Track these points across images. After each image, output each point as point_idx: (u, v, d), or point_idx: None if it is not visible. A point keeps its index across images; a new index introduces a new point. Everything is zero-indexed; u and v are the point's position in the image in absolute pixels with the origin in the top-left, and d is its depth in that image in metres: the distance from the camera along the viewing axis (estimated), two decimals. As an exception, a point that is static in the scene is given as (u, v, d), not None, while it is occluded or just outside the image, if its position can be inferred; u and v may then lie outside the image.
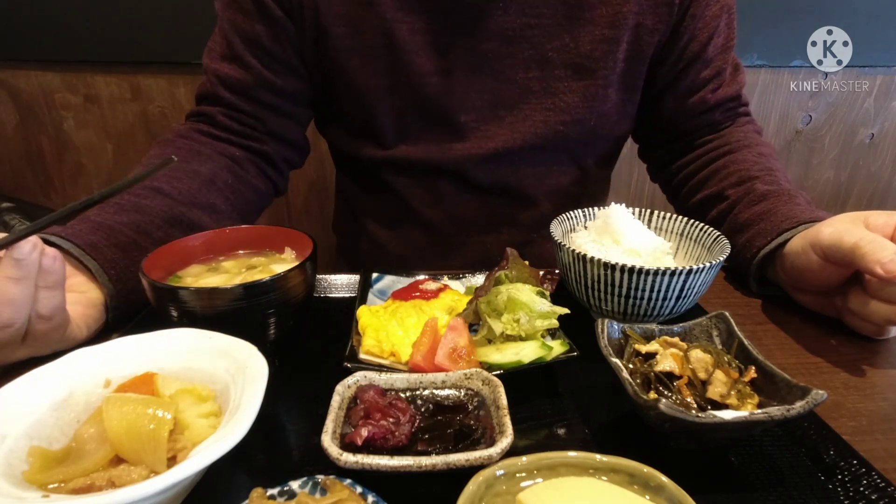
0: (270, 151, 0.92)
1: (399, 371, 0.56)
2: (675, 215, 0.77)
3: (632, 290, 0.61)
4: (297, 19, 0.83)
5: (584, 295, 0.66)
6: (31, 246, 0.51)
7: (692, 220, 0.75)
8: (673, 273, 0.59)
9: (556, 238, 0.68)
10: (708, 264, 0.60)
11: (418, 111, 0.87)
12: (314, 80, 0.90)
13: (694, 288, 0.62)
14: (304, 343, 0.67)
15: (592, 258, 0.62)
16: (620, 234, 0.69)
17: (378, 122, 0.88)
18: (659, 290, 0.61)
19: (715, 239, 0.70)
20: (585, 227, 0.76)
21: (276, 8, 0.81)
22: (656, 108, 0.95)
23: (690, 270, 0.59)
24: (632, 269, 0.60)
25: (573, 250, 0.64)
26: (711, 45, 0.87)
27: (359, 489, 0.40)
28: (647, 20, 0.84)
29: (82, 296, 0.63)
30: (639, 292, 0.61)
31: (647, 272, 0.59)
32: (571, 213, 0.76)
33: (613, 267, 0.60)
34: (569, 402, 0.57)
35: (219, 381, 0.50)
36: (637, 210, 0.77)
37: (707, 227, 0.72)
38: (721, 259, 0.62)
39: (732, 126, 0.94)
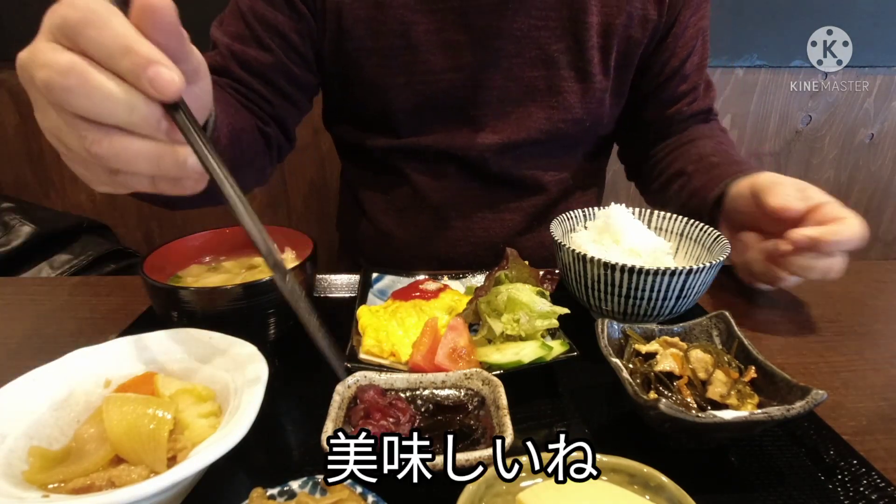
0: (272, 134, 0.92)
1: (399, 371, 0.56)
2: (675, 216, 0.77)
3: (632, 290, 0.61)
4: (321, 19, 0.86)
5: (583, 295, 0.66)
6: None
7: (692, 221, 0.75)
8: (673, 273, 0.59)
9: (555, 238, 0.68)
10: (708, 264, 0.60)
11: (431, 105, 0.92)
12: (331, 77, 0.93)
13: (694, 288, 0.62)
14: (304, 343, 0.67)
15: (592, 258, 0.62)
16: (620, 234, 0.69)
17: (393, 115, 0.93)
18: (659, 290, 0.61)
19: (715, 239, 0.70)
20: (585, 227, 0.76)
21: (302, 4, 0.85)
22: (638, 115, 1.03)
23: (690, 270, 0.59)
24: (632, 269, 0.60)
25: (573, 250, 0.64)
26: (689, 63, 0.95)
27: (359, 489, 0.40)
28: (636, 33, 0.90)
29: None
30: (639, 292, 0.61)
31: (647, 272, 0.59)
32: (571, 212, 0.76)
33: (613, 267, 0.60)
34: (569, 402, 0.57)
35: (219, 381, 0.50)
36: (637, 210, 0.77)
37: (707, 227, 0.73)
38: (721, 259, 0.62)
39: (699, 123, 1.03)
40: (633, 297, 0.62)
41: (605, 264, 0.61)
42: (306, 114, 0.99)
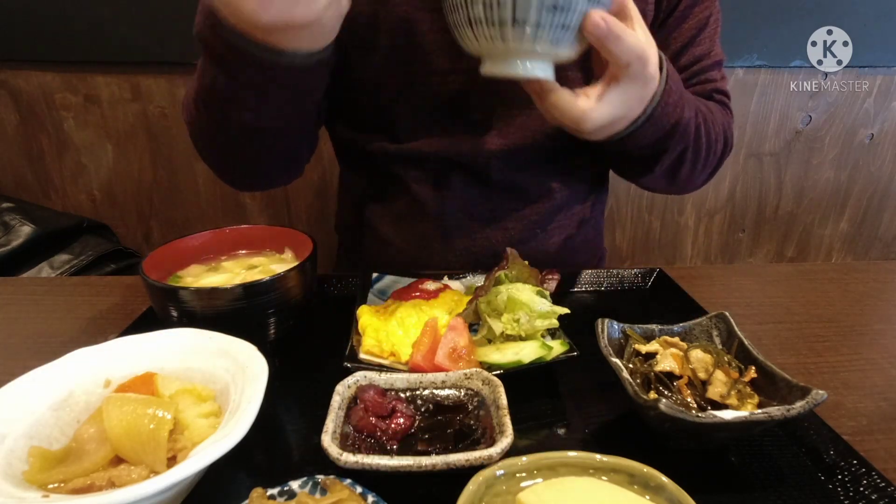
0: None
1: (399, 371, 0.56)
2: None
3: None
4: None
5: (458, 32, 0.56)
6: None
7: None
8: None
9: None
10: None
11: (434, 108, 0.90)
12: (332, 74, 0.92)
13: None
14: (304, 343, 0.67)
15: None
16: None
17: (393, 117, 0.91)
18: None
19: None
20: None
21: None
22: None
23: None
24: None
25: None
26: (686, 54, 0.93)
27: (359, 489, 0.40)
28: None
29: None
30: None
31: None
32: None
33: None
34: (569, 402, 0.57)
35: (219, 381, 0.50)
36: None
37: None
38: None
39: None
40: (489, 5, 0.49)
41: None
42: (323, 115, 1.00)
